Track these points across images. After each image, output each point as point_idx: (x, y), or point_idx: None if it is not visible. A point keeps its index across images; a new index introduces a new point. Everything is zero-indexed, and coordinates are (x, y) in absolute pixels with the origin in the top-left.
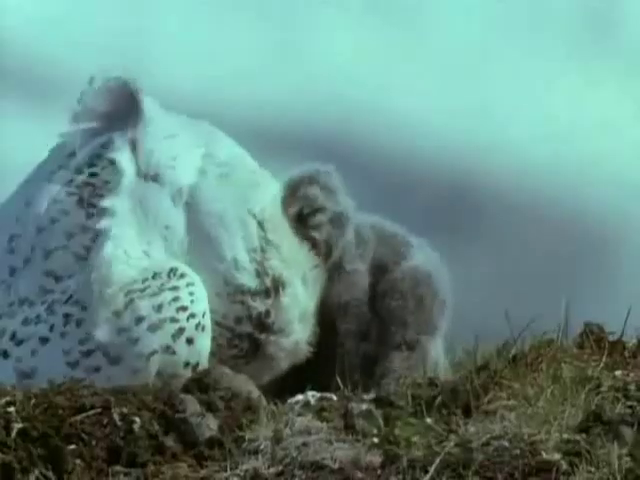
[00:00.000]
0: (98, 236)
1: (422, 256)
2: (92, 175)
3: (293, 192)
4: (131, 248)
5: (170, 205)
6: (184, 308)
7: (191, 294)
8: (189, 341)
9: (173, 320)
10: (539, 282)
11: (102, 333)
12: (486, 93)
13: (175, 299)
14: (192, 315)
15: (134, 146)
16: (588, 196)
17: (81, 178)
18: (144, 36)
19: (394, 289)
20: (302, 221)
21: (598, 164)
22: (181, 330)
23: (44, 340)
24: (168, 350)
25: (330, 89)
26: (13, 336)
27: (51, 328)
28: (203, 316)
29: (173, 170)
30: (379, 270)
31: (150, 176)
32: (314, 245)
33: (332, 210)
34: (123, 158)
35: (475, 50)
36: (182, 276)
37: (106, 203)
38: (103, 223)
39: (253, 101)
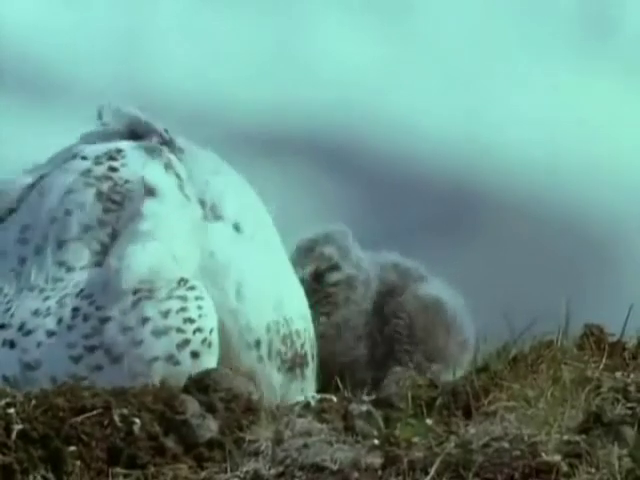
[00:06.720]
0: (116, 233)
1: (437, 290)
2: (112, 169)
3: (309, 252)
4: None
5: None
6: (191, 320)
7: (199, 308)
8: (194, 355)
9: (179, 330)
10: (539, 283)
11: (107, 331)
12: (485, 94)
13: (182, 309)
14: (199, 329)
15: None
16: (588, 197)
17: (100, 170)
18: (143, 37)
19: (400, 310)
20: (318, 279)
21: (598, 165)
22: (186, 342)
23: (51, 333)
24: (171, 359)
25: (330, 91)
26: (22, 326)
27: (59, 321)
28: (210, 333)
29: (228, 205)
30: (387, 293)
31: (208, 206)
32: (329, 302)
33: (346, 272)
34: (159, 168)
35: (474, 51)
36: (191, 288)
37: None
38: (144, 225)
39: (253, 103)
